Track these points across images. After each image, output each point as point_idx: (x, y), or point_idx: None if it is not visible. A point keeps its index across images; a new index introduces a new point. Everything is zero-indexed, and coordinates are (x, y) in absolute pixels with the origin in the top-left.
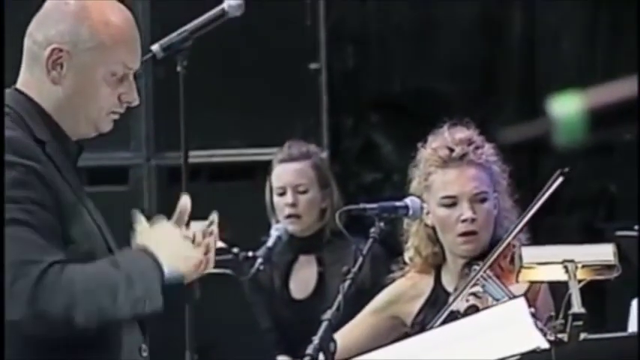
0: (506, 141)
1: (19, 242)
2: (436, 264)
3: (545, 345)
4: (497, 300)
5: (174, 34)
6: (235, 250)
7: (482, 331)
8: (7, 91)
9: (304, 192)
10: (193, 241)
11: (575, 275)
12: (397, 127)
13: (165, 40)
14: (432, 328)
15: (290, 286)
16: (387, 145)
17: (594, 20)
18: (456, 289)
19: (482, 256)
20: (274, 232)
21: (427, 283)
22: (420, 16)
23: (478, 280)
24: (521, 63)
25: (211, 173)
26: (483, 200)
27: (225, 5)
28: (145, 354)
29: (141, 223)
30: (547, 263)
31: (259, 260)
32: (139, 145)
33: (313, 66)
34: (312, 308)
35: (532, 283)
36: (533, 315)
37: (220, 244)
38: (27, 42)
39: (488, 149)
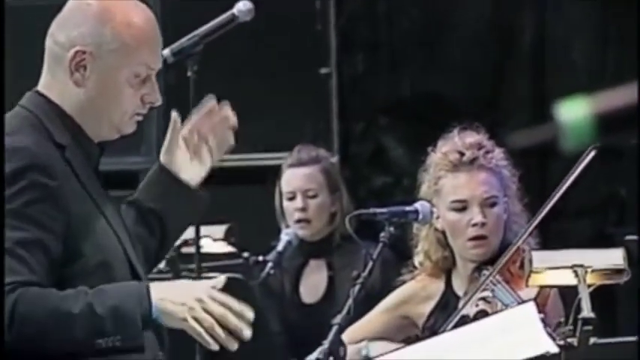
0: (515, 145)
1: None
2: (446, 268)
3: (555, 349)
4: (507, 305)
5: (184, 39)
6: (245, 254)
7: (492, 335)
8: (28, 93)
9: (314, 196)
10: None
11: (584, 280)
12: (407, 132)
13: (175, 45)
14: (442, 332)
15: (300, 290)
16: (397, 150)
17: (604, 26)
18: (465, 294)
19: (492, 260)
20: (284, 237)
21: (437, 287)
22: (430, 20)
23: (488, 285)
24: (531, 68)
25: (221, 178)
26: (493, 204)
27: (235, 10)
28: None
29: None
30: (557, 268)
31: (269, 264)
32: (149, 150)
33: (323, 71)
34: (322, 312)
35: (542, 287)
36: (543, 320)
37: (230, 249)
38: (48, 43)
39: (498, 154)
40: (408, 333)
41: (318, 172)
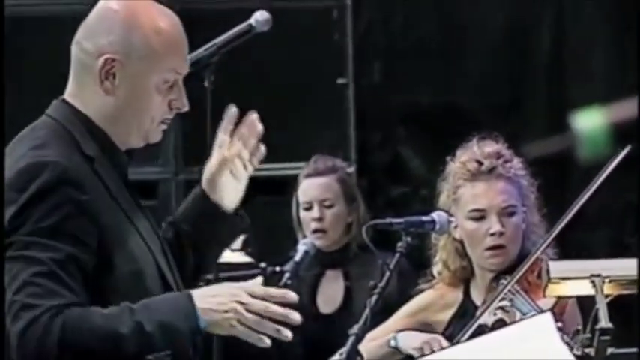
0: (531, 155)
1: (23, 283)
2: (464, 278)
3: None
4: (525, 314)
5: (201, 49)
6: (263, 264)
7: (509, 345)
8: (54, 102)
9: (330, 206)
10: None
11: (602, 290)
12: (424, 142)
13: (192, 55)
14: (459, 341)
15: (317, 300)
16: (415, 160)
17: (623, 35)
18: (484, 303)
19: (510, 269)
20: (301, 247)
21: (456, 296)
22: (447, 30)
23: (506, 294)
24: (549, 78)
25: None
26: (512, 214)
27: (252, 20)
28: None
29: None
30: (574, 278)
31: (287, 275)
32: (167, 160)
33: (340, 81)
34: (340, 322)
35: (559, 298)
36: (560, 329)
37: (248, 259)
38: (75, 51)
39: (517, 163)
40: None
41: (335, 182)
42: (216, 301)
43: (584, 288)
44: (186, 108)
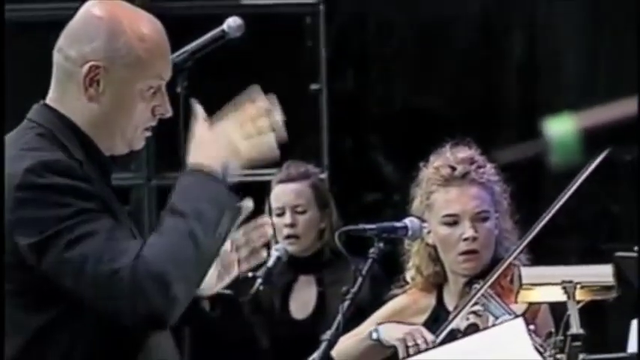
0: (502, 161)
1: (97, 255)
2: (437, 283)
3: None
4: (497, 317)
5: (174, 55)
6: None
7: (482, 351)
8: (35, 106)
9: (303, 212)
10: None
11: (573, 296)
12: (398, 148)
13: None
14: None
15: (290, 306)
16: (388, 166)
17: (596, 41)
18: (456, 308)
19: (482, 275)
20: (274, 253)
21: (429, 302)
22: (420, 37)
23: (479, 298)
24: (521, 84)
25: None
26: (485, 219)
27: (225, 26)
28: None
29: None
30: (546, 284)
31: (259, 281)
32: (139, 166)
33: (314, 87)
34: (312, 328)
35: (531, 304)
36: (533, 332)
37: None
38: (57, 58)
39: (489, 169)
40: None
41: (308, 187)
42: (215, 146)
43: (556, 294)
44: (169, 114)
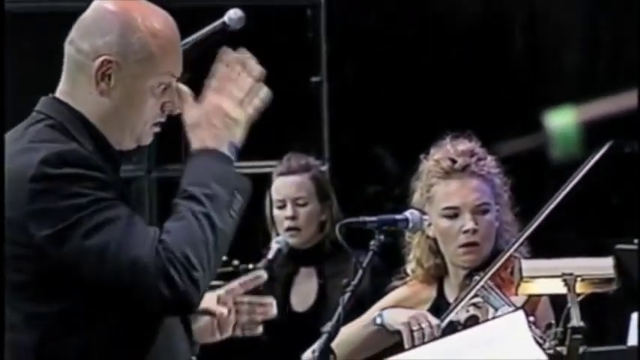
0: (501, 154)
1: (118, 242)
2: (438, 275)
3: (544, 358)
4: (497, 309)
5: None
6: (236, 262)
7: (481, 345)
8: (44, 99)
9: (304, 205)
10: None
11: (574, 288)
12: (398, 140)
13: None
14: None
15: (291, 298)
16: (389, 158)
17: (596, 35)
18: (456, 300)
19: (483, 267)
20: (275, 245)
21: (429, 294)
22: (421, 29)
23: (479, 290)
24: (522, 76)
25: None
26: (485, 212)
27: (225, 18)
28: None
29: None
30: (546, 277)
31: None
32: (140, 158)
33: (314, 79)
34: (313, 320)
35: (532, 296)
36: (533, 323)
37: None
38: (69, 50)
39: (490, 161)
40: (399, 339)
41: (308, 180)
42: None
43: (557, 287)
44: (178, 111)
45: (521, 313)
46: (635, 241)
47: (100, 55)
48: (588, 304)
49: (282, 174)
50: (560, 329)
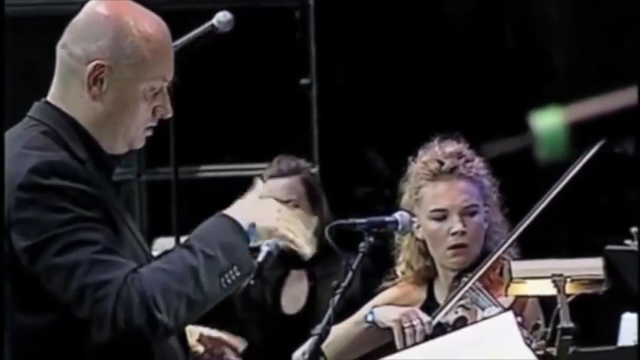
0: (489, 155)
1: (89, 264)
2: (428, 277)
3: (534, 359)
4: (484, 308)
5: None
6: None
7: (471, 345)
8: (37, 104)
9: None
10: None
11: (563, 289)
12: (388, 142)
13: None
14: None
15: (281, 300)
16: (379, 160)
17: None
18: (445, 301)
19: (472, 269)
20: (265, 248)
21: (419, 295)
22: (411, 31)
23: (467, 291)
24: (513, 78)
25: (201, 189)
26: (473, 213)
27: (214, 21)
28: None
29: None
30: (536, 278)
31: (250, 275)
32: (129, 161)
33: (304, 81)
34: (304, 323)
35: (521, 297)
36: (520, 324)
37: None
38: (61, 54)
39: (478, 163)
40: (390, 339)
41: (299, 182)
42: (253, 211)
43: (547, 288)
44: (170, 115)
45: (510, 314)
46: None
47: (93, 59)
48: (578, 305)
49: (272, 177)
50: (547, 329)
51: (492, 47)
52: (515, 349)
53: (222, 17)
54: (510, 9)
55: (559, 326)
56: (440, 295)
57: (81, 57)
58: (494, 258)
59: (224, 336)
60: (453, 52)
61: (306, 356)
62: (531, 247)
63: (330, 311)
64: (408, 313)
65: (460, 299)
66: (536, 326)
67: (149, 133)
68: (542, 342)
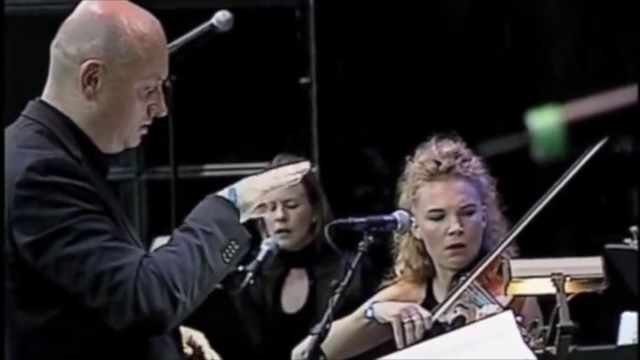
0: (485, 154)
1: (101, 252)
2: (427, 276)
3: (533, 358)
4: (481, 306)
5: None
6: None
7: (469, 345)
8: (32, 103)
9: (294, 206)
10: None
11: (563, 288)
12: (388, 141)
13: None
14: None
15: (281, 300)
16: (378, 159)
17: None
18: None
19: (470, 268)
20: (264, 247)
21: (419, 294)
22: (410, 29)
23: (465, 291)
24: (511, 76)
25: (201, 188)
26: (471, 213)
27: (214, 20)
28: None
29: None
30: (535, 277)
31: (250, 274)
32: (129, 160)
33: (304, 80)
34: (304, 322)
35: (520, 296)
36: (519, 323)
37: None
38: (56, 53)
39: (475, 162)
40: (389, 337)
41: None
42: (252, 185)
43: (545, 287)
44: (164, 113)
45: (510, 314)
46: (627, 240)
47: (87, 58)
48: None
49: None
50: (545, 327)
51: (490, 46)
52: (515, 349)
53: (221, 17)
54: (508, 7)
55: (558, 325)
56: (439, 294)
57: (75, 56)
58: (492, 257)
59: (205, 346)
60: (450, 51)
61: (306, 355)
62: (530, 245)
63: (329, 310)
64: (407, 309)
65: (458, 298)
66: (534, 324)
67: (144, 131)
68: (540, 340)
